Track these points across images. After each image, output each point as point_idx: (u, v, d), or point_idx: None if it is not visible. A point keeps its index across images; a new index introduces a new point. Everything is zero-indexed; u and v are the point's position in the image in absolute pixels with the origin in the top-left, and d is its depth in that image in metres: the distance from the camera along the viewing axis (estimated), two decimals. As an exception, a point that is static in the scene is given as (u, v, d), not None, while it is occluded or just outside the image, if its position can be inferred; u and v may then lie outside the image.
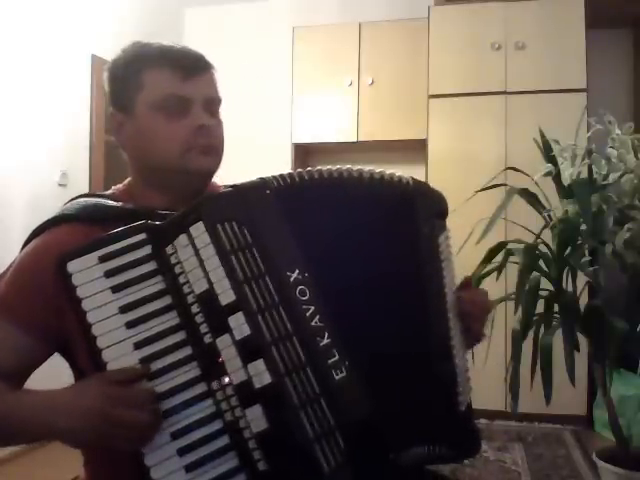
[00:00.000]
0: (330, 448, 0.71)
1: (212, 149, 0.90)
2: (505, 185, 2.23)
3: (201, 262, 0.72)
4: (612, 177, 1.99)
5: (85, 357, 0.75)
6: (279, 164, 3.45)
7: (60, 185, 3.07)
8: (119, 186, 0.97)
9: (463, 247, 2.06)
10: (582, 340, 1.97)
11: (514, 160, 2.89)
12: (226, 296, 0.71)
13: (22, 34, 2.85)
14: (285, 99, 3.77)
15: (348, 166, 0.83)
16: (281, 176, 0.78)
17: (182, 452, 0.70)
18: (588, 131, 2.24)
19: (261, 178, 0.78)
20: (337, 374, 0.73)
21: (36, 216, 3.08)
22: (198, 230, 0.72)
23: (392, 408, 0.76)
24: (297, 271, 0.74)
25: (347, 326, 0.74)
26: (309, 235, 0.77)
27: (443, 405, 0.83)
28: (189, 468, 0.69)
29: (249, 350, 0.70)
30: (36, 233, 0.87)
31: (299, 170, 0.80)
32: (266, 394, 0.69)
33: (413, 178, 0.89)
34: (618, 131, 2.01)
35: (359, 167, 0.84)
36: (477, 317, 0.91)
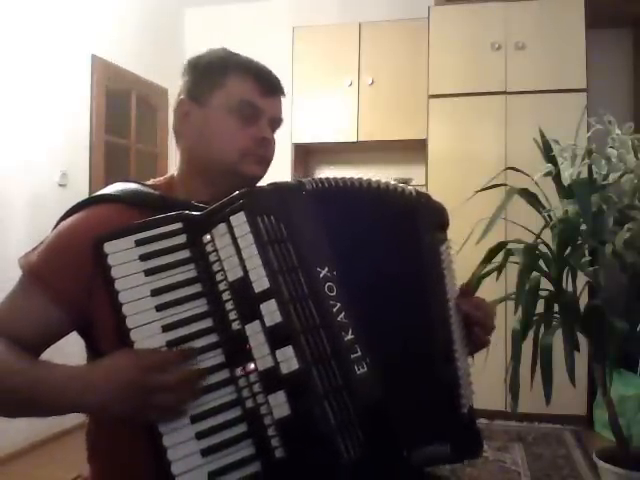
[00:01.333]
0: (350, 439, 0.72)
1: (266, 160, 0.96)
2: (505, 185, 2.23)
3: (238, 250, 0.74)
4: (612, 177, 1.99)
5: (108, 339, 0.77)
6: (279, 164, 3.43)
7: (60, 185, 3.07)
8: (160, 178, 1.01)
9: (463, 247, 2.07)
10: (582, 340, 1.97)
11: (514, 160, 2.89)
12: (260, 284, 0.73)
13: (22, 34, 2.85)
14: (285, 99, 3.77)
15: (367, 177, 0.89)
16: (315, 180, 0.84)
17: (200, 436, 0.71)
18: (588, 131, 2.24)
19: (298, 180, 0.83)
20: (359, 369, 0.75)
21: (36, 216, 3.08)
22: (239, 220, 0.75)
23: (404, 406, 0.78)
24: (326, 268, 0.78)
25: (367, 325, 0.78)
26: (336, 236, 0.81)
27: (446, 407, 0.85)
28: (205, 452, 0.71)
29: (278, 337, 0.72)
30: (75, 209, 0.89)
31: (334, 177, 0.86)
32: (292, 381, 0.71)
33: (416, 190, 0.94)
34: (618, 131, 2.01)
35: (377, 178, 0.90)
36: (480, 323, 0.93)
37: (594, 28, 3.29)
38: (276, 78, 0.98)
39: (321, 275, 0.77)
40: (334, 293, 0.77)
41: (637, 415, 2.64)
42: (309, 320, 0.74)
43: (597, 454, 2.06)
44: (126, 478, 0.84)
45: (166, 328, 0.74)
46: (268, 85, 0.95)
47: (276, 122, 0.99)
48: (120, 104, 3.63)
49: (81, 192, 3.13)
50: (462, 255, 2.16)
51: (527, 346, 1.93)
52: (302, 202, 0.81)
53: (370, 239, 0.85)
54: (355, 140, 3.68)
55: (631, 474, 1.90)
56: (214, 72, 0.94)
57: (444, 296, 0.89)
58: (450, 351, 0.87)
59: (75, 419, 3.07)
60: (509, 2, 3.34)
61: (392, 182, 0.91)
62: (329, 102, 3.70)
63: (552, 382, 1.83)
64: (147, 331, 0.74)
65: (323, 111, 3.71)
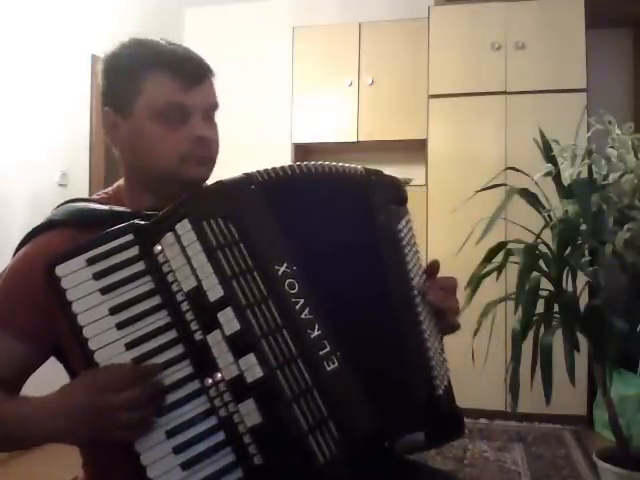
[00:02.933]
0: (325, 439, 0.71)
1: (208, 160, 0.90)
2: (505, 185, 2.23)
3: (188, 259, 0.72)
4: (612, 177, 1.99)
5: (78, 360, 0.75)
6: (279, 164, 3.45)
7: (60, 185, 3.07)
8: (108, 190, 0.97)
9: (463, 247, 2.07)
10: (582, 340, 1.97)
11: (514, 160, 2.89)
12: (214, 292, 0.71)
13: (22, 34, 2.85)
14: (285, 99, 3.77)
15: (320, 162, 0.84)
16: (265, 171, 0.79)
17: (178, 450, 0.70)
18: (588, 131, 2.24)
19: (245, 173, 0.78)
20: (329, 365, 0.73)
21: (36, 216, 3.08)
22: (184, 228, 0.73)
23: (379, 397, 0.75)
24: (285, 264, 0.74)
25: (334, 317, 0.75)
26: (293, 229, 0.77)
27: (420, 389, 0.82)
28: (185, 466, 0.70)
29: (239, 345, 0.70)
30: (25, 240, 0.87)
31: (280, 165, 0.80)
32: (258, 388, 0.69)
33: (365, 168, 0.89)
34: (618, 131, 2.01)
35: (329, 162, 0.85)
36: (443, 309, 0.89)
37: (594, 28, 3.29)
38: (198, 63, 0.90)
39: (280, 272, 0.74)
40: (295, 290, 0.74)
41: (637, 415, 2.64)
42: (270, 322, 0.72)
43: (597, 454, 2.06)
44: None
45: (130, 345, 0.72)
46: (189, 76, 0.87)
47: (211, 109, 0.91)
48: (120, 104, 3.63)
49: (81, 192, 3.13)
50: (462, 255, 2.18)
51: (527, 346, 1.93)
52: (251, 198, 0.76)
53: (325, 226, 0.81)
54: (355, 140, 3.68)
55: (631, 474, 1.90)
56: (129, 77, 0.87)
57: (406, 275, 0.85)
58: (418, 332, 0.84)
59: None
60: (509, 2, 3.34)
61: (340, 164, 0.86)
62: (329, 102, 3.70)
63: (552, 382, 1.83)
64: (111, 351, 0.72)
65: (323, 111, 3.70)
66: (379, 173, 0.90)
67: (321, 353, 0.73)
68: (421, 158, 3.55)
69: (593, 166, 1.99)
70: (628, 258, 1.84)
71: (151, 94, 0.86)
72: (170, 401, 0.72)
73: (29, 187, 2.89)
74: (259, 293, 0.73)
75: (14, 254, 0.88)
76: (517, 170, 2.17)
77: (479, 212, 2.14)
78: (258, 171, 0.78)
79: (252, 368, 0.69)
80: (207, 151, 0.89)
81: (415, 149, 3.65)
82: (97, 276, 0.74)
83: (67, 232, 0.84)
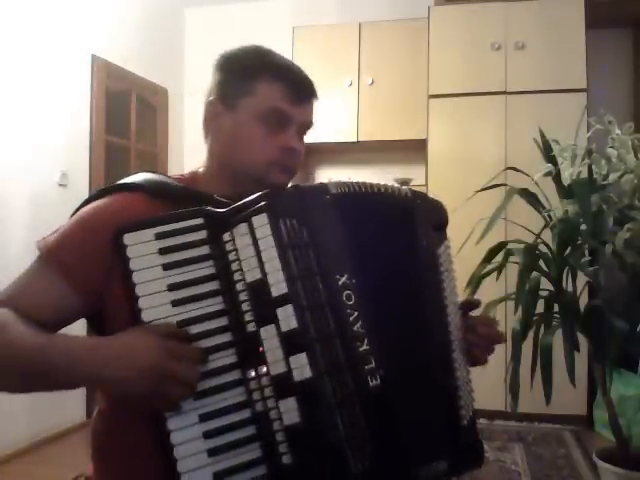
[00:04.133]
0: (359, 451, 0.71)
1: (292, 170, 0.95)
2: (505, 185, 2.23)
3: (258, 252, 0.74)
4: (612, 177, 1.99)
5: (122, 327, 0.75)
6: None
7: (60, 185, 3.07)
8: (184, 173, 1.00)
9: (463, 247, 2.07)
10: (582, 340, 1.97)
11: (514, 160, 2.89)
12: (278, 288, 0.72)
13: (22, 34, 2.85)
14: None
15: (377, 182, 0.88)
16: (338, 183, 0.82)
17: (207, 435, 0.71)
18: (588, 131, 2.24)
19: (322, 183, 0.82)
20: (372, 381, 0.74)
21: (36, 216, 3.08)
22: (261, 221, 0.74)
23: (412, 421, 0.77)
24: (346, 275, 0.76)
25: (380, 336, 0.77)
26: (355, 243, 0.80)
27: (445, 422, 0.84)
28: (212, 452, 0.71)
29: (293, 343, 0.71)
30: (97, 196, 0.88)
31: (352, 181, 0.84)
32: (304, 388, 0.70)
33: (412, 190, 0.92)
34: (618, 131, 2.01)
35: (383, 183, 0.89)
36: (481, 346, 0.93)
37: (594, 28, 3.29)
38: (309, 82, 0.97)
39: (340, 282, 0.76)
40: (352, 302, 0.76)
41: (637, 415, 2.64)
42: (325, 328, 0.73)
43: (597, 454, 2.06)
44: (133, 476, 0.84)
45: (181, 324, 0.74)
46: (299, 91, 0.94)
47: (306, 127, 0.98)
48: (120, 104, 3.63)
49: (81, 192, 3.13)
50: (462, 255, 2.17)
51: (527, 346, 1.93)
52: (325, 207, 0.79)
53: (378, 246, 0.84)
54: (355, 140, 3.68)
55: (631, 474, 1.90)
56: (245, 76, 0.92)
57: (442, 302, 0.88)
58: (449, 361, 0.86)
59: (75, 419, 3.07)
60: (509, 2, 3.34)
61: (391, 185, 0.89)
62: (329, 102, 3.69)
63: (552, 382, 1.83)
64: None
65: (323, 111, 3.69)
66: (424, 197, 0.93)
67: (367, 367, 0.74)
68: (421, 158, 3.56)
69: (593, 166, 1.99)
70: (628, 258, 1.84)
71: (261, 96, 0.91)
72: (209, 386, 0.73)
73: (29, 187, 2.89)
74: (319, 298, 0.74)
75: (77, 209, 0.89)
76: (517, 170, 2.17)
77: (479, 212, 2.14)
78: (334, 183, 0.82)
79: (302, 367, 0.70)
80: (294, 162, 0.94)
81: (415, 149, 3.65)
82: (162, 251, 0.76)
83: (142, 198, 0.85)
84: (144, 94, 3.84)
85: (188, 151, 4.17)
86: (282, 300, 0.72)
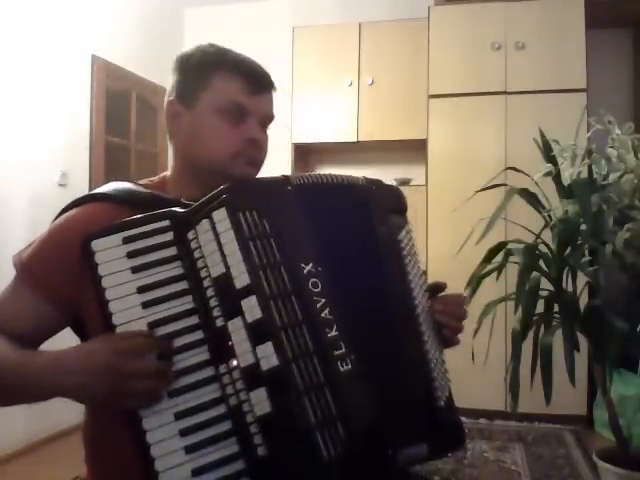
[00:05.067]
0: (331, 437, 0.71)
1: (256, 161, 0.95)
2: (505, 185, 2.23)
3: (220, 246, 0.74)
4: (612, 177, 1.99)
5: (97, 332, 0.77)
6: (279, 164, 3.44)
7: (60, 185, 3.08)
8: (154, 178, 1.02)
9: (463, 247, 2.07)
10: (582, 340, 1.97)
11: (514, 160, 2.89)
12: (241, 280, 0.73)
13: (22, 34, 2.85)
14: (285, 99, 3.77)
15: (333, 173, 0.89)
16: (301, 176, 0.84)
17: (184, 433, 0.71)
18: (588, 131, 2.24)
19: (284, 175, 0.83)
20: (343, 366, 0.75)
21: (36, 216, 3.07)
22: (220, 216, 0.75)
23: (385, 405, 0.77)
24: (311, 264, 0.77)
25: (351, 321, 0.77)
26: (318, 232, 0.81)
27: (421, 403, 0.83)
28: (189, 449, 0.71)
29: (259, 333, 0.72)
30: (67, 208, 0.91)
31: (311, 173, 0.86)
32: (272, 377, 0.71)
33: (366, 178, 0.92)
34: (618, 131, 2.01)
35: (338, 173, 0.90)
36: (449, 326, 0.92)
37: (594, 28, 3.29)
38: (265, 74, 0.96)
39: (305, 271, 0.76)
40: (318, 289, 0.76)
41: (637, 415, 2.64)
42: (291, 316, 0.74)
43: (597, 454, 2.06)
44: (120, 478, 0.84)
45: (152, 325, 0.74)
46: (256, 83, 0.94)
47: (267, 119, 0.97)
48: (120, 104, 3.63)
49: (81, 192, 3.09)
50: (462, 255, 2.18)
51: (527, 346, 1.93)
52: (287, 197, 0.80)
53: (339, 234, 0.84)
54: (355, 140, 3.68)
55: (631, 474, 1.90)
56: (201, 73, 0.93)
57: (407, 286, 0.88)
58: (419, 342, 0.86)
59: (74, 419, 3.07)
60: (509, 2, 3.34)
61: (346, 175, 0.90)
62: (329, 102, 3.70)
63: (552, 382, 1.83)
64: (133, 328, 0.74)
65: (323, 111, 3.71)
66: (379, 183, 0.93)
67: (336, 353, 0.75)
68: (421, 158, 3.55)
69: (593, 166, 1.98)
70: (628, 258, 1.84)
71: (217, 91, 0.92)
72: (183, 384, 0.73)
73: (29, 187, 2.89)
74: (283, 287, 0.75)
75: (53, 222, 0.91)
76: (517, 170, 2.17)
77: (479, 212, 2.14)
78: (295, 175, 0.84)
79: (269, 357, 0.71)
80: (257, 153, 0.94)
81: (415, 149, 3.65)
82: (130, 255, 0.76)
83: (109, 206, 0.88)
84: (144, 94, 3.84)
85: (188, 151, 4.17)
86: (245, 291, 0.72)
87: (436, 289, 0.95)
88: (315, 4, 4.01)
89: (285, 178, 0.82)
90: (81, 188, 3.19)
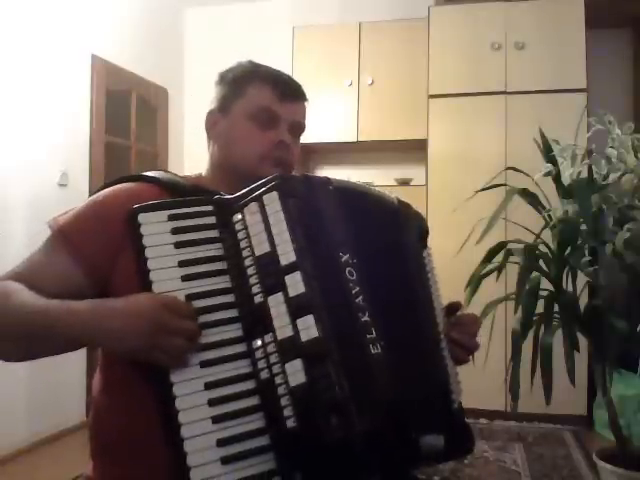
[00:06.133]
0: (361, 411, 0.73)
1: (284, 163, 1.00)
2: (505, 185, 2.23)
3: (267, 227, 0.78)
4: (612, 177, 1.99)
5: None
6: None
7: (60, 185, 3.07)
8: (190, 174, 1.07)
9: (463, 247, 2.07)
10: (582, 340, 1.97)
11: (514, 160, 2.89)
12: (287, 257, 0.77)
13: (22, 34, 2.85)
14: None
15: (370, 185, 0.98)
16: (340, 180, 0.90)
17: (212, 403, 0.74)
18: (588, 131, 2.24)
19: (326, 177, 0.90)
20: (373, 350, 0.79)
21: (36, 216, 3.09)
22: (271, 198, 0.79)
23: (409, 391, 0.81)
24: (348, 255, 0.82)
25: (380, 311, 0.82)
26: (356, 230, 0.86)
27: (440, 399, 0.89)
28: (216, 419, 0.73)
29: (300, 306, 0.75)
30: (113, 183, 0.95)
31: (351, 180, 0.93)
32: (310, 348, 0.73)
33: (398, 198, 0.99)
34: (618, 131, 2.01)
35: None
36: (464, 344, 0.98)
37: (594, 28, 3.30)
38: (295, 84, 1.04)
39: (342, 259, 0.81)
40: (354, 277, 0.81)
41: (637, 415, 2.64)
42: (330, 296, 0.77)
43: (597, 454, 2.06)
44: (137, 468, 0.84)
45: (189, 298, 0.77)
46: (286, 91, 1.01)
47: (296, 126, 1.03)
48: (120, 104, 3.63)
49: (81, 192, 3.13)
50: (462, 255, 2.18)
51: (527, 346, 1.93)
52: (329, 194, 0.86)
53: (375, 236, 0.90)
54: (355, 140, 3.68)
55: (631, 474, 1.90)
56: (238, 84, 1.01)
57: (429, 292, 0.95)
58: (439, 348, 0.93)
59: (74, 419, 3.07)
60: (509, 2, 3.34)
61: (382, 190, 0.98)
62: (329, 102, 3.70)
63: (552, 382, 1.83)
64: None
65: (323, 111, 3.70)
66: (409, 206, 1.01)
67: (368, 337, 0.79)
68: (421, 158, 3.55)
69: (593, 166, 1.98)
70: (628, 258, 1.84)
71: (251, 98, 1.00)
72: (215, 356, 0.76)
73: (29, 187, 2.88)
74: (325, 269, 0.79)
75: (94, 193, 0.95)
76: (517, 170, 2.17)
77: (479, 212, 2.14)
78: (336, 179, 0.90)
79: (309, 328, 0.74)
80: (285, 155, 1.00)
81: (415, 149, 3.65)
82: (175, 231, 0.80)
83: (154, 189, 0.93)
84: (144, 94, 3.83)
85: (188, 151, 4.17)
86: (290, 268, 0.76)
87: (452, 309, 1.01)
88: (315, 4, 4.01)
89: (327, 178, 0.88)
90: (81, 188, 3.20)
